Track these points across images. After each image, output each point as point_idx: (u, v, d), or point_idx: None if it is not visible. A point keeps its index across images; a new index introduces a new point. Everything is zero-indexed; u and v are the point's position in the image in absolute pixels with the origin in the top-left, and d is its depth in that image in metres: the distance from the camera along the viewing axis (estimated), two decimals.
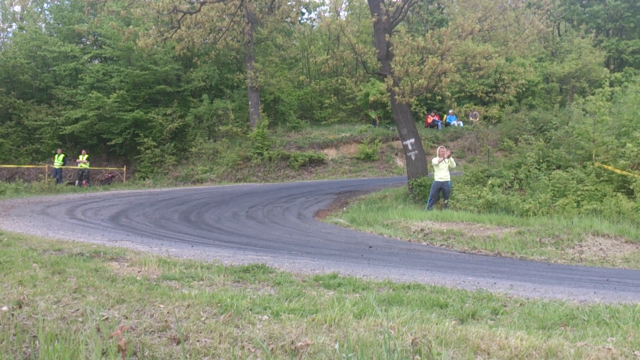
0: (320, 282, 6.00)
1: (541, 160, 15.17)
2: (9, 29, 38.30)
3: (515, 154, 17.61)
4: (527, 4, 19.75)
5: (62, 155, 26.14)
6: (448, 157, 14.78)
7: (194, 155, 28.43)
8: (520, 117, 23.92)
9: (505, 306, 5.05)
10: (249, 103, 29.31)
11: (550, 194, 13.21)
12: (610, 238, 10.30)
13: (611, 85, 18.63)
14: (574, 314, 4.77)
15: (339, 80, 23.22)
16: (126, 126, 28.82)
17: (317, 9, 38.45)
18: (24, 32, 33.02)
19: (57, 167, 25.59)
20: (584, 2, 37.04)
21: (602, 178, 13.45)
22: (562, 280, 7.07)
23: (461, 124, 30.21)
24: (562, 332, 4.22)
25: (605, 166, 13.63)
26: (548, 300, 5.33)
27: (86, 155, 26.54)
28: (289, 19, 27.84)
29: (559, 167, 14.71)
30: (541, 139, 16.89)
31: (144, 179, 26.71)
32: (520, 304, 5.15)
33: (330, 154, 28.48)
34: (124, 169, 28.18)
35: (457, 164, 14.94)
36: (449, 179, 14.84)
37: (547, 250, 9.88)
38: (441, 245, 10.86)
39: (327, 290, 5.61)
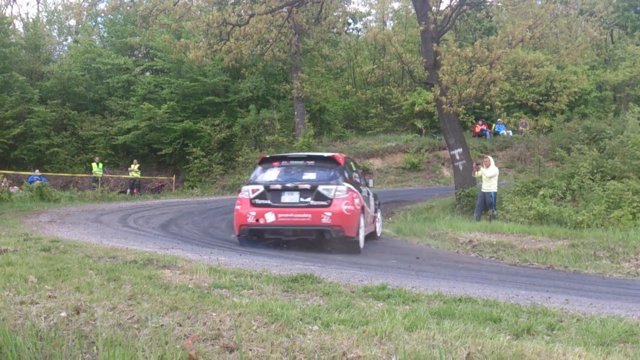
0: (369, 293, 5.96)
1: (595, 171, 14.73)
2: (64, 42, 39.77)
3: (568, 164, 17.17)
4: (579, 11, 19.27)
5: (101, 164, 26.86)
6: (477, 169, 14.95)
7: (240, 164, 28.79)
8: (572, 126, 23.32)
9: (561, 321, 4.91)
10: (295, 113, 29.55)
11: (605, 205, 12.80)
12: None
13: None
14: (633, 331, 4.60)
15: (385, 90, 23.14)
16: (176, 136, 29.49)
17: (363, 19, 38.54)
18: (79, 45, 34.25)
19: (100, 175, 26.24)
20: (638, 8, 35.94)
21: None
22: (619, 295, 6.84)
23: (510, 133, 29.66)
24: (622, 349, 4.07)
25: None
26: (606, 316, 5.16)
27: (137, 165, 27.18)
28: (335, 30, 28.05)
29: (613, 178, 14.26)
30: (595, 149, 16.40)
31: (192, 188, 27.20)
32: (577, 320, 4.99)
33: (376, 163, 28.38)
34: (174, 178, 28.77)
35: (493, 173, 14.63)
36: (491, 190, 14.58)
37: (602, 264, 9.57)
38: (490, 257, 10.66)
39: (377, 301, 5.57)
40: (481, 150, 26.78)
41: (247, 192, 10.05)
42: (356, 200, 9.84)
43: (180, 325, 4.19)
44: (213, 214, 16.62)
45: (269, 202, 9.80)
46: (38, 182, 22.09)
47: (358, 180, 10.90)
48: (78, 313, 4.45)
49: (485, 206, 14.77)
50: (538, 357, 3.57)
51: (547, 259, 9.93)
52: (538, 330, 4.55)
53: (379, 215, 12.44)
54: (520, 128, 28.88)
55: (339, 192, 9.56)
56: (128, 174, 27.06)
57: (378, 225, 12.34)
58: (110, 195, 23.31)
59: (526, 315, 5.08)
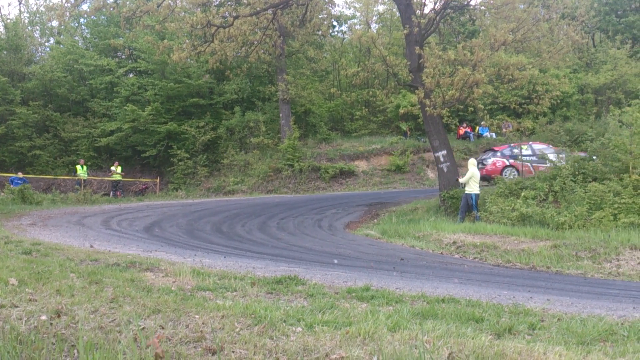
0: (353, 294, 5.98)
1: (577, 173, 14.88)
2: (46, 44, 39.29)
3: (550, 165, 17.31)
4: (561, 15, 19.46)
5: (85, 166, 26.56)
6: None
7: (225, 166, 28.68)
8: (554, 128, 23.56)
9: (542, 321, 4.96)
10: (280, 115, 29.50)
11: (586, 206, 12.94)
12: None
13: None
14: (613, 330, 4.67)
15: (370, 92, 23.16)
16: (160, 138, 29.29)
17: (348, 21, 38.57)
18: (61, 46, 33.87)
19: (84, 177, 25.91)
20: (619, 12, 36.40)
21: (639, 191, 13.12)
22: (600, 295, 6.92)
23: (493, 135, 29.88)
24: (602, 347, 4.13)
25: None
26: (586, 315, 5.23)
27: (120, 166, 26.88)
28: (320, 32, 28.01)
29: (595, 180, 14.41)
30: (576, 151, 16.58)
31: (176, 190, 27.03)
32: (558, 319, 5.05)
33: (361, 165, 28.44)
34: (158, 180, 28.56)
35: (468, 177, 14.89)
36: (472, 192, 14.70)
37: (583, 264, 9.68)
38: (474, 258, 10.73)
39: (360, 302, 5.58)
40: (465, 153, 26.95)
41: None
42: (498, 164, 20.06)
43: (162, 328, 4.17)
44: (198, 216, 16.55)
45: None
46: (21, 184, 21.83)
47: (522, 155, 19.89)
48: (59, 316, 4.41)
49: (469, 208, 14.87)
50: (519, 357, 3.60)
51: (530, 260, 10.03)
52: (519, 329, 4.59)
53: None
54: (504, 130, 29.10)
55: (488, 161, 20.29)
56: (110, 176, 26.78)
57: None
58: (93, 197, 23.11)
59: (508, 315, 5.13)
